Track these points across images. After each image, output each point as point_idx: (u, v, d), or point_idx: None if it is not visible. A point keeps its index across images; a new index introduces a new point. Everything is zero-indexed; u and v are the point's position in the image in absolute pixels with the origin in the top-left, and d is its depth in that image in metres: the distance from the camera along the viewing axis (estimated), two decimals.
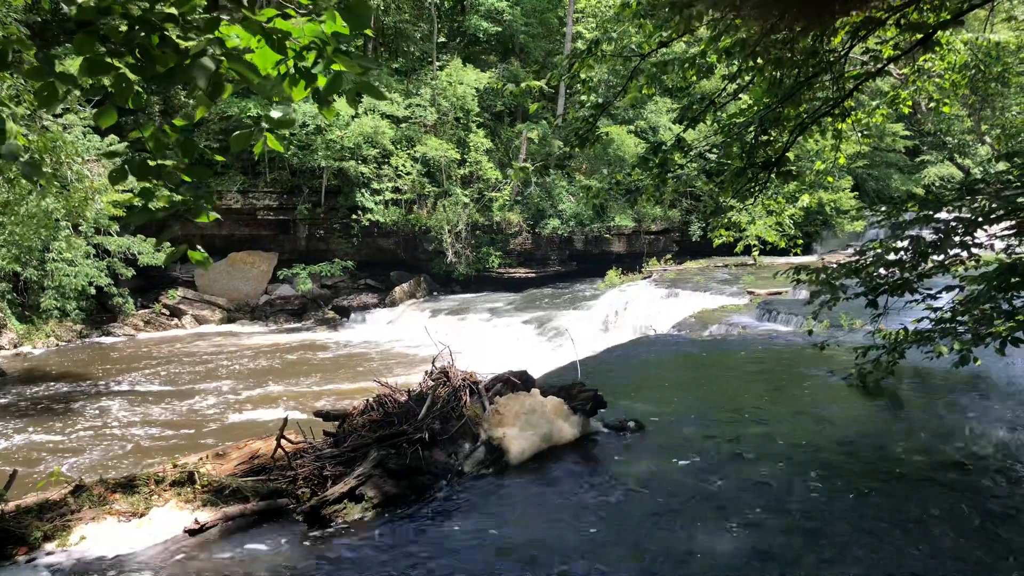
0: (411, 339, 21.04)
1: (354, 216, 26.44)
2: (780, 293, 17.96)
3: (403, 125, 27.54)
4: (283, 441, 6.12)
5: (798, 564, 4.34)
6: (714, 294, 19.46)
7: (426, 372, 7.13)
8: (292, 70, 3.34)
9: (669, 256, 29.48)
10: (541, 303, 24.52)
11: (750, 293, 18.86)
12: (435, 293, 28.05)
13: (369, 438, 6.05)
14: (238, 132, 3.34)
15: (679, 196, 29.82)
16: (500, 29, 31.13)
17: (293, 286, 26.83)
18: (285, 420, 6.27)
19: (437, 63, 29.35)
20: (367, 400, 6.98)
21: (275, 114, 3.38)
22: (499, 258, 28.81)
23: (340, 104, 25.30)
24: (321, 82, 3.38)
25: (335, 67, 3.28)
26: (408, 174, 26.92)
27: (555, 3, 32.73)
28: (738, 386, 9.03)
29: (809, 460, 6.10)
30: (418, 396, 6.75)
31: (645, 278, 24.62)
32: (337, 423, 6.92)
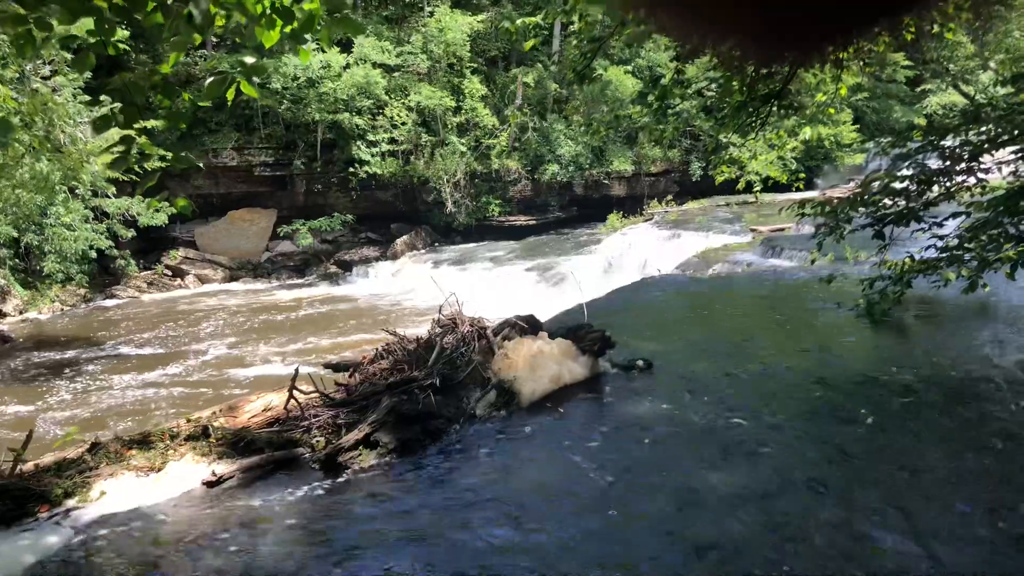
0: (415, 290, 21.07)
1: (351, 169, 26.23)
2: (783, 229, 17.89)
3: (396, 74, 27.13)
4: (295, 392, 6.15)
5: (815, 494, 4.38)
6: (716, 233, 19.38)
7: (434, 319, 7.14)
8: (268, 10, 3.27)
9: (670, 197, 29.31)
10: (543, 249, 24.47)
11: (753, 230, 18.79)
12: (436, 244, 27.98)
13: (380, 386, 6.08)
14: (211, 79, 3.28)
15: (679, 136, 29.47)
16: None
17: (294, 242, 26.77)
18: (296, 371, 6.29)
19: (427, 8, 28.78)
20: (377, 349, 7.01)
21: (248, 60, 3.32)
22: (499, 206, 28.67)
23: (331, 55, 24.93)
24: (295, 23, 3.30)
25: (308, 6, 3.21)
26: (403, 124, 26.63)
27: None
28: (744, 323, 9.04)
29: (818, 393, 6.13)
30: (427, 343, 6.77)
31: (647, 220, 24.51)
32: (348, 373, 6.95)
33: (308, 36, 3.44)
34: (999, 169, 7.08)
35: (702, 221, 21.58)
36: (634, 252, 19.64)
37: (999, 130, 6.85)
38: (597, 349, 6.81)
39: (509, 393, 6.17)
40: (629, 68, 30.05)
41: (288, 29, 3.35)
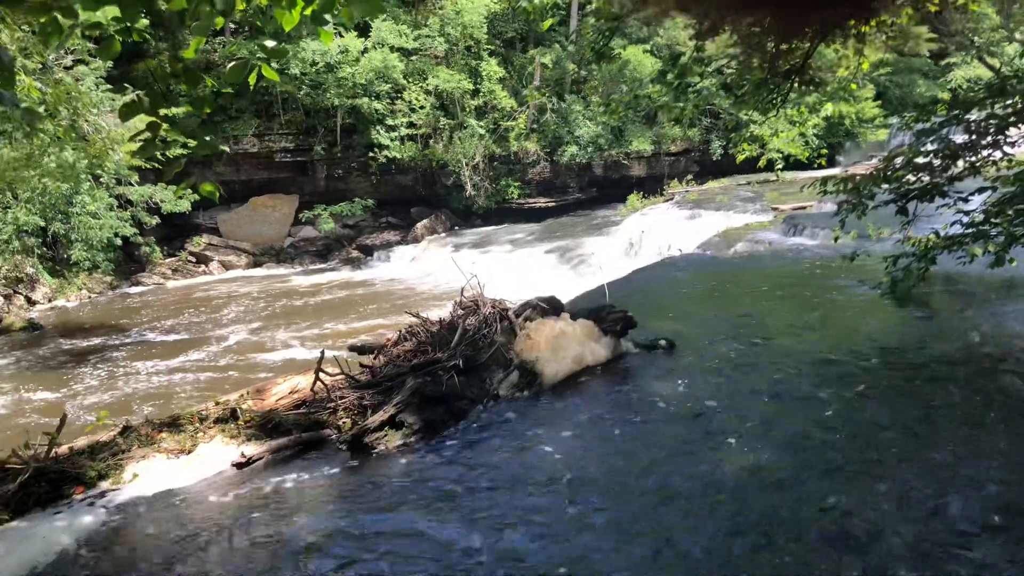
0: (436, 274, 21.14)
1: (371, 154, 26.30)
2: (805, 207, 17.72)
3: (413, 58, 27.10)
4: (321, 375, 6.23)
5: (840, 473, 4.39)
6: (738, 212, 19.23)
7: (455, 302, 7.19)
8: None
9: (690, 177, 29.09)
10: (563, 231, 24.43)
11: (774, 209, 18.63)
12: (456, 228, 28.02)
13: (405, 367, 6.15)
14: (233, 63, 3.31)
15: (698, 115, 29.21)
16: None
17: (316, 227, 26.92)
18: (322, 354, 6.37)
19: None
20: (400, 331, 7.08)
21: (268, 44, 3.35)
22: (518, 189, 28.63)
23: (349, 40, 24.94)
24: (316, 4, 3.32)
25: None
26: (422, 108, 26.63)
27: None
28: (767, 302, 9.01)
29: (842, 371, 6.12)
30: (449, 325, 6.83)
31: (667, 200, 24.36)
32: (372, 355, 7.03)
33: (328, 17, 3.46)
34: None
35: (723, 200, 21.44)
36: (655, 232, 19.55)
37: None
38: (619, 330, 6.84)
39: (532, 374, 6.22)
40: (648, 47, 29.79)
41: (308, 11, 3.37)
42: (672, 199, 24.15)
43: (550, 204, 29.10)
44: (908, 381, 5.80)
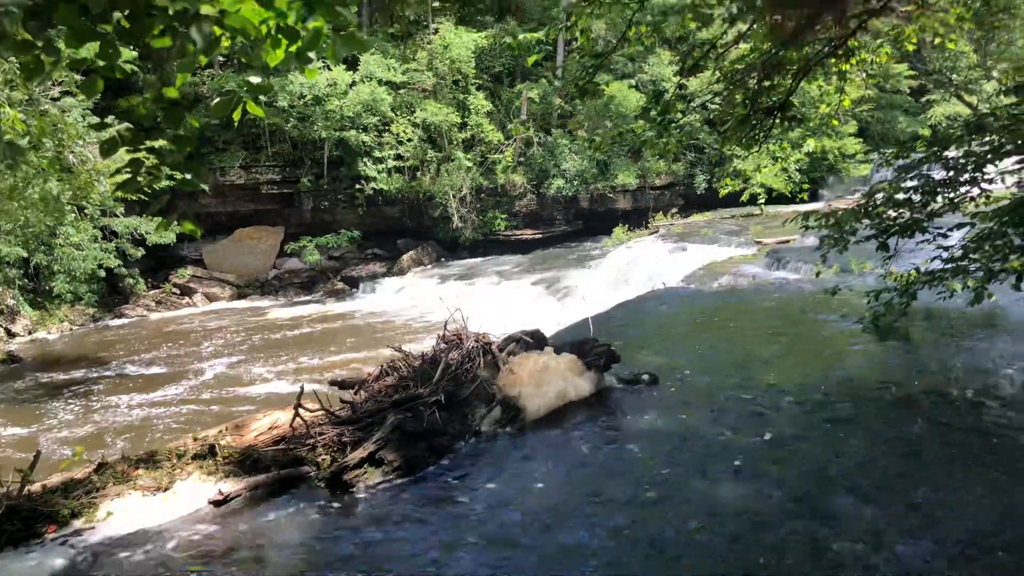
0: (421, 306, 21.08)
1: (358, 186, 26.34)
2: (788, 241, 17.86)
3: (402, 91, 27.28)
4: (301, 410, 6.16)
5: (816, 510, 4.37)
6: (722, 245, 19.35)
7: (439, 336, 7.15)
8: (274, 30, 3.29)
9: (675, 210, 29.29)
10: (549, 263, 24.48)
11: (758, 243, 18.76)
12: (442, 259, 28.01)
13: (386, 403, 6.09)
14: (218, 99, 3.31)
15: (683, 149, 29.52)
16: None
17: (301, 259, 26.83)
18: (302, 389, 6.31)
19: (432, 26, 28.98)
20: (382, 366, 7.02)
21: (253, 79, 3.35)
22: (505, 221, 28.72)
23: (337, 73, 25.10)
24: (301, 42, 3.33)
25: (313, 24, 3.24)
26: (409, 140, 26.75)
27: None
28: (750, 335, 9.03)
29: (822, 406, 6.12)
30: (432, 359, 6.79)
31: (652, 233, 24.50)
32: (353, 390, 6.97)
33: (313, 55, 3.46)
34: (1003, 179, 7.05)
35: (707, 234, 21.58)
36: (640, 265, 19.62)
37: (1003, 140, 6.83)
38: (603, 364, 6.82)
39: (514, 409, 6.18)
40: (633, 82, 30.15)
41: (293, 48, 3.38)
42: (657, 232, 24.28)
43: (537, 236, 29.19)
44: (890, 416, 5.79)
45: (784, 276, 13.76)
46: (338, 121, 25.21)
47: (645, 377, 6.93)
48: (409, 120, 26.95)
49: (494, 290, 21.91)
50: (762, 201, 24.28)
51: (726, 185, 21.60)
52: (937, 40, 9.80)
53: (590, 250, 26.00)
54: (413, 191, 27.09)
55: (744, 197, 23.96)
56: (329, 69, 24.98)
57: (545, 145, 29.04)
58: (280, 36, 3.29)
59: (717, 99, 8.16)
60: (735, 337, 8.94)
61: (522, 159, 29.07)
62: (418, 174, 27.31)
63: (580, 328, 8.86)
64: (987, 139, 6.96)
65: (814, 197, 27.47)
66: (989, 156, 6.78)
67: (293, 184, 26.60)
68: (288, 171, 26.52)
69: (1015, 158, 6.78)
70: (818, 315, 9.50)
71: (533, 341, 7.12)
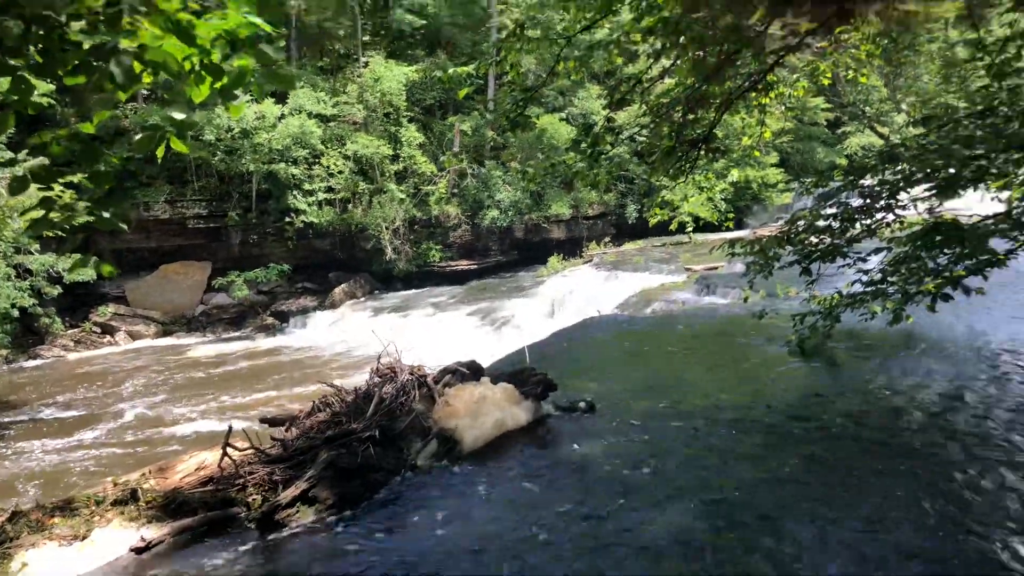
0: (355, 340, 20.78)
1: (287, 219, 25.95)
2: (716, 268, 18.29)
3: (332, 124, 27.12)
4: (229, 450, 5.96)
5: (745, 530, 4.42)
6: (654, 273, 19.71)
7: (372, 369, 7.05)
8: (198, 66, 3.23)
9: (608, 239, 29.76)
10: (485, 294, 24.49)
11: (688, 269, 19.16)
12: (376, 292, 27.73)
13: (318, 440, 5.95)
14: (141, 135, 3.22)
15: (614, 180, 30.02)
16: (425, 22, 30.92)
17: (229, 294, 26.20)
18: (230, 428, 6.11)
19: (363, 59, 28.98)
20: (314, 402, 6.87)
21: (177, 115, 3.27)
22: (439, 252, 28.67)
23: (266, 106, 24.84)
24: (226, 79, 3.27)
25: (239, 62, 3.19)
26: (340, 173, 26.55)
27: None
28: (683, 360, 9.17)
29: (753, 428, 6.23)
30: (365, 394, 6.67)
31: (586, 262, 24.81)
32: (284, 428, 6.79)
33: (239, 92, 3.40)
34: (915, 206, 7.37)
35: (639, 262, 21.94)
36: (575, 294, 19.81)
37: (913, 169, 7.15)
38: (540, 392, 6.82)
39: (451, 441, 6.11)
40: (563, 115, 30.67)
41: (218, 85, 3.31)
42: (591, 261, 24.59)
43: (472, 267, 29.20)
44: (816, 436, 5.93)
45: (713, 301, 14.05)
46: (267, 154, 24.90)
47: (582, 404, 6.95)
48: (340, 152, 26.80)
49: (429, 322, 21.79)
50: (690, 229, 24.85)
51: (655, 214, 22.08)
52: (850, 75, 10.23)
53: (526, 280, 26.13)
54: (345, 223, 26.84)
55: (673, 226, 24.41)
56: (258, 102, 24.70)
57: (479, 176, 29.21)
58: (204, 73, 3.23)
59: (644, 131, 8.35)
60: (668, 362, 9.07)
61: (456, 190, 29.16)
62: (350, 206, 27.09)
63: (517, 358, 8.86)
64: (899, 168, 7.27)
65: (740, 225, 28.29)
66: (901, 184, 7.08)
67: (221, 218, 26.04)
68: (215, 205, 25.97)
69: (925, 185, 7.10)
70: (747, 339, 9.71)
71: (469, 372, 7.08)
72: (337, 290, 26.82)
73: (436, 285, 27.63)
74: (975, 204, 7.70)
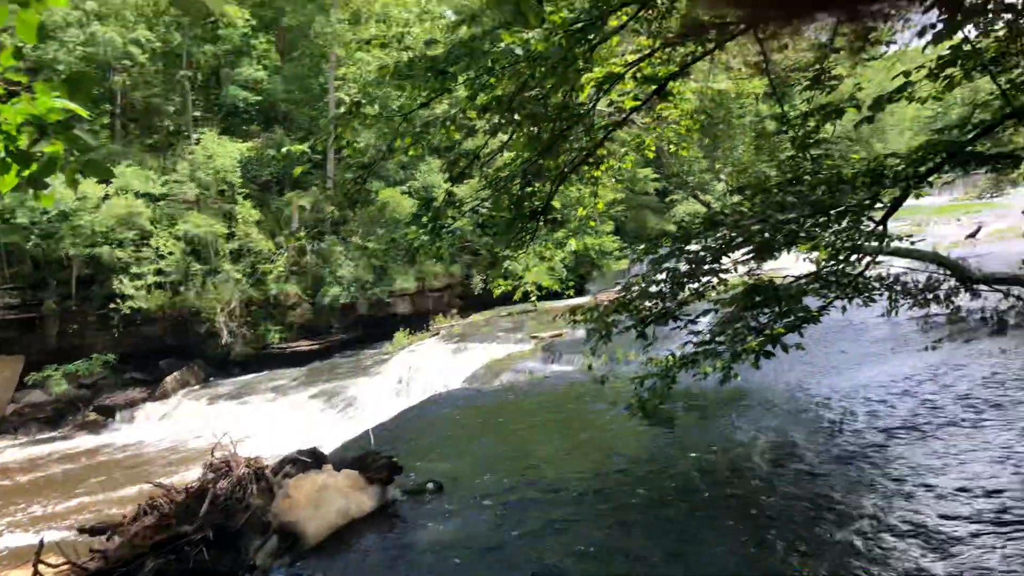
0: (188, 432, 19.46)
1: (112, 305, 24.22)
2: (561, 335, 18.68)
3: (162, 203, 25.89)
4: (41, 566, 5.33)
5: None
6: (501, 343, 19.84)
7: (205, 465, 6.57)
8: (3, 153, 2.97)
9: (455, 311, 29.83)
10: (329, 374, 23.75)
11: (534, 338, 19.45)
12: (212, 379, 26.20)
13: (144, 547, 5.43)
14: None
15: (458, 251, 30.42)
16: (260, 98, 30.42)
17: (46, 390, 23.92)
18: (41, 542, 5.49)
19: (194, 136, 28.03)
20: (139, 505, 6.30)
21: None
22: (279, 333, 27.64)
23: (88, 186, 23.35)
24: (34, 167, 3.02)
25: (48, 149, 2.96)
26: (171, 254, 25.23)
27: (316, 71, 32.54)
28: (530, 431, 9.19)
29: (599, 492, 6.29)
30: (198, 492, 6.20)
31: (433, 336, 24.66)
32: (106, 537, 6.16)
33: (49, 180, 3.14)
34: (736, 269, 7.84)
35: (487, 332, 22.08)
36: (422, 369, 19.57)
37: (732, 234, 7.62)
38: (385, 477, 6.58)
39: (292, 536, 5.75)
40: (405, 188, 30.82)
41: (26, 173, 3.04)
42: (438, 334, 24.49)
43: (314, 347, 28.31)
44: (659, 498, 6.05)
45: (559, 369, 14.29)
46: (89, 237, 23.32)
47: (430, 486, 6.77)
48: (171, 232, 25.54)
49: (270, 408, 20.81)
50: (534, 298, 25.42)
51: (499, 285, 22.46)
52: (672, 148, 10.91)
53: (371, 357, 25.61)
54: (176, 307, 25.42)
55: (516, 295, 24.94)
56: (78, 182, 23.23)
57: (319, 253, 28.65)
58: (10, 160, 2.96)
59: (485, 204, 8.49)
60: (517, 434, 9.06)
61: (295, 268, 28.42)
62: (182, 289, 25.74)
63: (362, 441, 8.57)
64: (720, 234, 7.74)
65: (582, 291, 29.25)
66: (723, 248, 7.53)
67: (36, 307, 23.96)
68: (29, 293, 23.91)
69: (744, 249, 7.58)
70: (592, 404, 9.89)
71: (311, 460, 6.75)
72: (169, 379, 25.13)
73: (277, 368, 26.51)
74: (792, 264, 8.29)
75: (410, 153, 8.33)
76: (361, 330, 29.86)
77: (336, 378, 22.71)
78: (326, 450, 7.36)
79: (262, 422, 18.29)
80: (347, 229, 29.96)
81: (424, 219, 7.79)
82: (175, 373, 25.40)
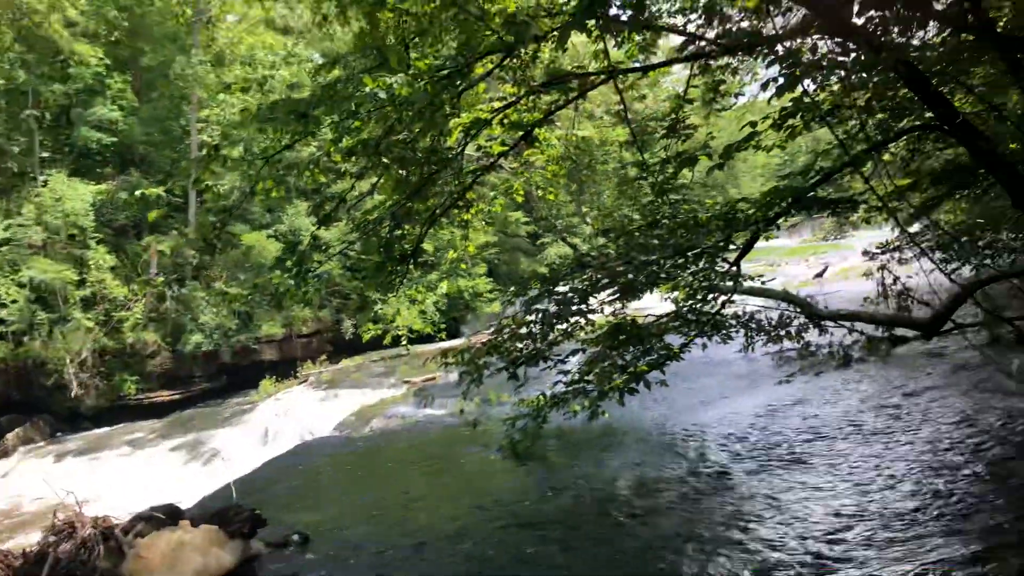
0: (30, 493, 17.92)
1: None
2: (434, 379, 18.57)
3: (4, 248, 24.07)
4: None
5: None
6: (373, 388, 19.52)
7: (45, 528, 6.06)
8: None
9: (324, 357, 29.05)
10: (191, 425, 22.54)
11: (406, 382, 19.25)
12: (59, 434, 24.27)
13: None
14: None
15: (328, 296, 29.78)
16: (116, 139, 28.88)
17: None
18: None
19: (41, 177, 26.28)
20: None
21: None
22: (136, 384, 26.03)
23: None
24: None
25: None
26: (14, 302, 23.42)
27: (177, 112, 31.33)
28: (402, 477, 9.04)
29: (471, 536, 6.25)
30: (37, 557, 5.70)
31: (302, 383, 23.94)
32: None
33: None
34: (602, 309, 8.08)
35: (358, 378, 21.66)
36: (290, 417, 18.93)
37: (599, 275, 7.87)
38: (248, 530, 6.28)
39: None
40: (271, 232, 29.99)
41: None
42: (306, 381, 23.81)
43: (175, 397, 26.81)
44: (533, 535, 6.07)
45: (432, 413, 14.18)
46: None
47: (295, 537, 6.52)
48: (13, 280, 23.72)
49: (125, 463, 19.51)
50: (406, 342, 25.17)
51: (369, 329, 22.19)
52: (540, 192, 11.18)
53: (236, 406, 24.53)
54: (19, 359, 23.54)
55: (387, 340, 24.70)
56: None
57: (180, 299, 27.35)
58: None
59: (354, 247, 8.40)
60: (388, 481, 8.88)
61: (154, 315, 26.98)
62: (26, 339, 23.89)
63: (225, 494, 8.16)
64: (587, 275, 7.97)
65: (456, 334, 29.22)
66: (589, 289, 7.75)
67: None
68: None
69: (610, 290, 7.83)
70: (464, 448, 9.86)
71: (166, 517, 6.34)
72: (10, 436, 23.12)
73: (133, 420, 24.92)
74: (656, 304, 8.60)
75: (272, 195, 8.14)
76: (226, 379, 28.59)
77: (198, 429, 21.59)
78: (186, 505, 6.96)
79: (116, 479, 17.11)
80: (210, 275, 28.78)
81: (288, 263, 7.63)
82: (17, 430, 23.39)
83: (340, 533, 6.72)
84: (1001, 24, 6.68)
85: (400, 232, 7.90)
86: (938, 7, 5.64)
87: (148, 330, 26.56)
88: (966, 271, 8.75)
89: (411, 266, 7.89)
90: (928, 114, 6.83)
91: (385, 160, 7.49)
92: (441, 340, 22.23)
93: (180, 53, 29.85)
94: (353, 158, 7.67)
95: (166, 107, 31.21)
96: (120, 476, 17.61)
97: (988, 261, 8.75)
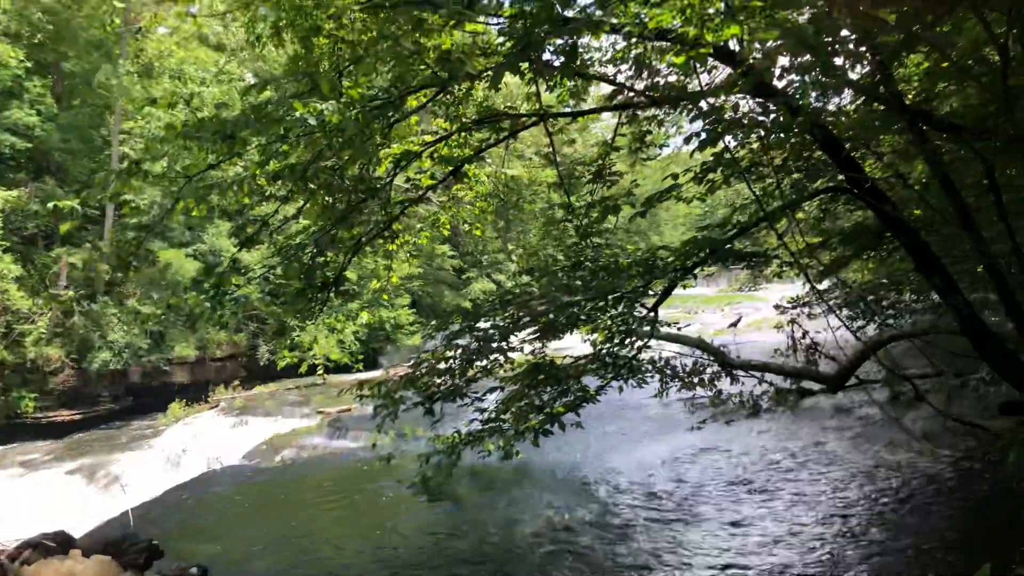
0: None
1: None
2: (349, 410, 18.24)
3: None
4: None
5: None
6: (285, 417, 19.04)
7: None
8: None
9: (237, 382, 28.20)
10: (91, 447, 21.48)
11: (320, 413, 18.86)
12: None
13: None
14: None
15: (245, 320, 29.08)
16: (31, 145, 27.71)
17: None
18: None
19: None
20: None
21: None
22: (35, 401, 24.75)
23: None
24: None
25: None
26: None
27: (99, 121, 30.31)
28: (310, 510, 8.83)
29: (378, 573, 6.13)
30: None
31: (212, 408, 23.17)
32: None
33: None
34: (523, 348, 8.12)
35: (271, 406, 21.11)
36: (198, 443, 18.24)
37: (520, 313, 7.92)
38: (143, 562, 6.02)
39: None
40: (191, 251, 29.21)
41: None
42: (217, 406, 23.09)
43: (76, 417, 25.55)
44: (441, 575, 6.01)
45: (345, 445, 13.91)
46: None
47: (193, 571, 6.27)
48: None
49: (15, 485, 18.43)
50: (321, 372, 24.72)
51: (284, 356, 21.76)
52: (467, 227, 11.23)
53: (142, 429, 23.55)
54: None
55: (302, 369, 24.26)
56: None
57: (89, 314, 26.24)
58: None
59: (275, 271, 8.25)
60: (296, 513, 8.66)
61: (60, 330, 25.80)
62: None
63: (123, 520, 7.82)
64: (509, 312, 8.02)
65: (375, 365, 28.84)
66: (511, 327, 7.79)
67: None
68: None
69: (530, 328, 7.89)
70: (376, 483, 9.70)
71: (56, 545, 6.04)
72: None
73: (30, 439, 23.62)
74: (577, 345, 8.68)
75: (194, 214, 7.96)
76: (133, 400, 27.44)
77: (99, 452, 20.59)
78: (80, 532, 6.63)
79: (4, 502, 16.16)
80: (123, 291, 27.75)
81: (206, 284, 7.45)
82: None
83: (241, 567, 6.51)
84: (909, 97, 7.11)
85: (323, 259, 7.82)
86: (853, 76, 5.96)
87: (53, 344, 25.36)
88: (870, 329, 9.15)
89: (332, 294, 7.81)
90: (840, 177, 7.17)
91: (312, 186, 7.44)
92: (359, 371, 21.99)
93: (106, 61, 29.00)
94: (279, 182, 7.58)
95: (88, 115, 30.16)
96: (9, 499, 16.63)
97: (891, 321, 9.19)
